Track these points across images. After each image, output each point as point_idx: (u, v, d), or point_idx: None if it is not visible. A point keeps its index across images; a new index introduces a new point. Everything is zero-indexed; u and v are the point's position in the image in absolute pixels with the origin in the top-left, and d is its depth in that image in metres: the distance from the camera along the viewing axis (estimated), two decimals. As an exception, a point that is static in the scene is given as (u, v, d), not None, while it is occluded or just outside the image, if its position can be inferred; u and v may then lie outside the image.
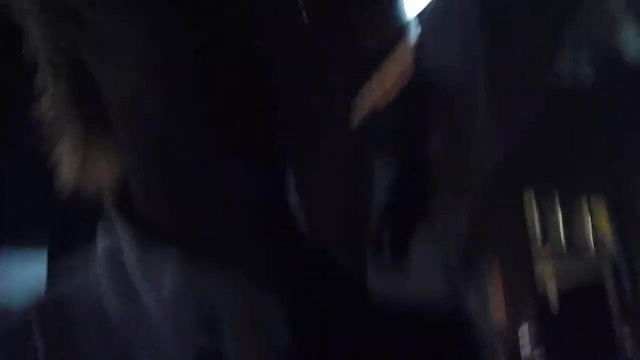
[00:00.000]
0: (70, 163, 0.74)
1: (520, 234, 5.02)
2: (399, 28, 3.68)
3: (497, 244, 4.72)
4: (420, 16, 1.04)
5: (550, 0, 0.89)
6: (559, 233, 5.57)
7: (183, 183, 0.69)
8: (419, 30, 0.87)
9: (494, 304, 4.52)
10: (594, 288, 5.28)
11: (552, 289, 5.37)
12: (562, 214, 5.64)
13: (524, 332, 3.80)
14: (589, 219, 5.74)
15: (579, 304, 4.84)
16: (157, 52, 0.74)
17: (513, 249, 4.81)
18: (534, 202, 5.38)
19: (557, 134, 4.82)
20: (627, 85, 5.39)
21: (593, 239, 5.67)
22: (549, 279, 5.52)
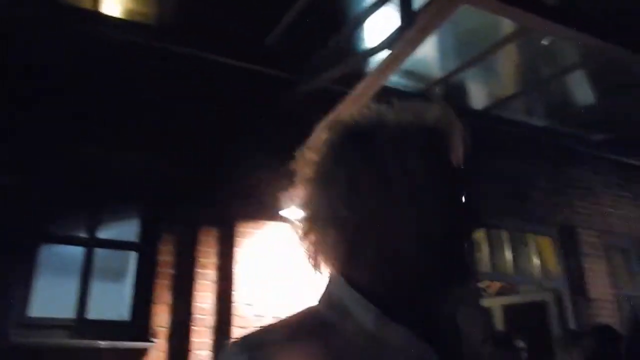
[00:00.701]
0: None
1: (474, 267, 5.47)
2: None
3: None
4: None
5: None
6: (509, 268, 6.06)
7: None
8: None
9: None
10: (539, 316, 5.78)
11: (499, 320, 5.86)
12: (512, 250, 6.11)
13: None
14: (536, 254, 6.24)
15: (524, 331, 5.28)
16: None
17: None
18: (486, 240, 5.88)
19: (504, 175, 5.27)
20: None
21: (540, 272, 6.21)
22: (497, 310, 6.03)
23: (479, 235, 5.52)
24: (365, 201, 0.84)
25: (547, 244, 6.01)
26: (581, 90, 5.38)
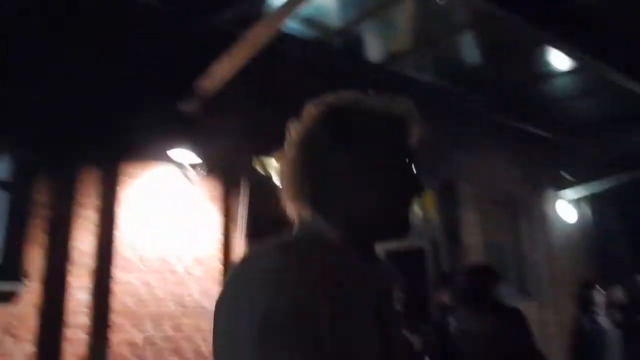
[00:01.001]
0: None
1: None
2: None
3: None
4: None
5: None
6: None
7: None
8: None
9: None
10: (417, 262, 6.16)
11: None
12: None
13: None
14: (418, 204, 6.59)
15: (403, 269, 5.58)
16: None
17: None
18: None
19: None
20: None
21: (421, 221, 6.57)
22: (380, 253, 6.35)
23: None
24: (337, 165, 1.10)
25: (429, 195, 6.40)
26: (469, 51, 5.65)
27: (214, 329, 0.93)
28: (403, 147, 1.14)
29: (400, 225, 1.11)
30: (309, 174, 1.11)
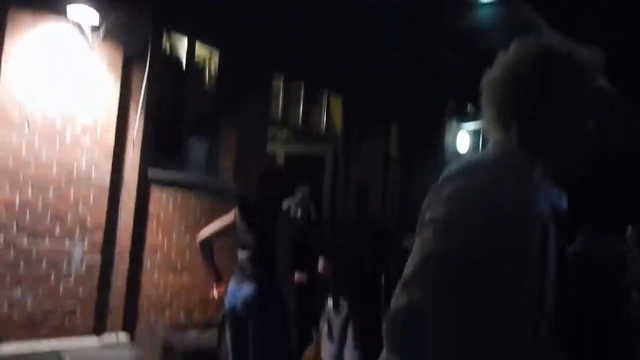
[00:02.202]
0: None
1: (266, 111, 5.63)
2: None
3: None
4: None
5: None
6: (298, 117, 6.38)
7: None
8: None
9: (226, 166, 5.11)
10: (317, 167, 6.30)
11: (280, 163, 6.24)
12: (304, 102, 6.41)
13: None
14: (325, 111, 6.64)
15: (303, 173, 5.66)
16: None
17: (254, 123, 5.37)
18: (281, 87, 6.05)
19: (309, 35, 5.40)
20: None
21: (325, 127, 6.65)
22: (281, 156, 6.40)
23: (276, 84, 5.70)
24: (544, 109, 1.29)
25: (338, 103, 6.47)
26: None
27: (443, 206, 1.19)
28: (594, 97, 1.35)
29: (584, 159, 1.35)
30: (517, 109, 1.31)
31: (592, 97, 1.33)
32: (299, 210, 4.08)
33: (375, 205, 6.44)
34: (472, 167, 1.26)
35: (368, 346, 3.87)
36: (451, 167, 1.25)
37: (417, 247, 1.18)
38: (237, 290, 3.28)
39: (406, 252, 1.31)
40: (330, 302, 3.94)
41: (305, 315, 3.89)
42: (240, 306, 3.24)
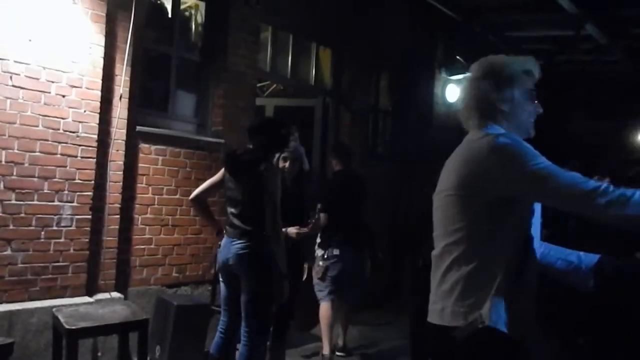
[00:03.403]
0: None
1: (254, 63, 5.52)
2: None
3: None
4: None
5: None
6: (287, 69, 6.28)
7: None
8: None
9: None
10: (306, 119, 6.25)
11: (270, 115, 6.17)
12: (293, 54, 6.29)
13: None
14: (315, 62, 6.55)
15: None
16: None
17: (243, 75, 5.26)
18: (269, 39, 5.91)
19: None
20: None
21: (315, 78, 6.57)
22: (270, 109, 6.34)
23: (264, 36, 5.55)
24: (499, 100, 1.90)
25: (327, 55, 6.34)
26: None
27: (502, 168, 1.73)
28: (533, 90, 1.94)
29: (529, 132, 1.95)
30: (483, 103, 1.89)
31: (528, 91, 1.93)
32: (290, 161, 3.99)
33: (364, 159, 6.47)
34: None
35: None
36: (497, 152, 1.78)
37: (551, 184, 1.68)
38: (229, 245, 3.31)
39: (428, 197, 1.88)
40: (335, 251, 4.56)
41: (295, 266, 3.94)
42: (232, 260, 3.28)
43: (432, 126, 7.63)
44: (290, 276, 3.52)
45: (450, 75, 7.89)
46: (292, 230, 3.93)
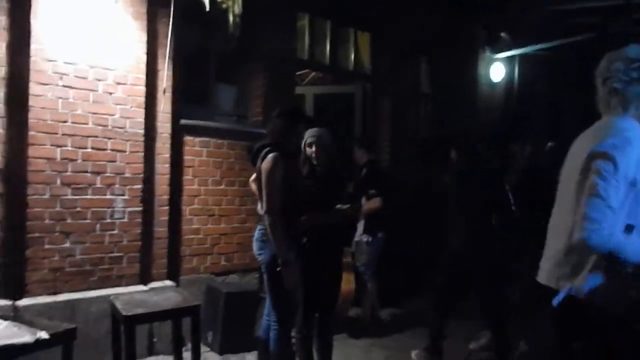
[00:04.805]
0: None
1: (292, 52, 5.53)
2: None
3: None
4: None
5: None
6: (326, 57, 6.28)
7: None
8: None
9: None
10: (347, 106, 6.22)
11: (310, 103, 6.18)
12: (331, 41, 6.28)
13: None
14: (353, 48, 6.51)
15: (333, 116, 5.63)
16: None
17: (281, 65, 5.29)
18: (307, 27, 5.92)
19: None
20: None
21: (354, 65, 6.54)
22: (310, 97, 6.33)
23: (301, 24, 5.56)
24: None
25: (365, 40, 6.30)
26: None
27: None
28: None
29: None
30: (614, 93, 2.14)
31: None
32: (315, 146, 3.75)
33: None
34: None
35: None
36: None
37: None
38: (260, 244, 3.33)
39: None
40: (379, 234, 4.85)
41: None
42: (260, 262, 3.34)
43: (476, 108, 7.48)
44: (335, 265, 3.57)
45: (495, 54, 7.71)
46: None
